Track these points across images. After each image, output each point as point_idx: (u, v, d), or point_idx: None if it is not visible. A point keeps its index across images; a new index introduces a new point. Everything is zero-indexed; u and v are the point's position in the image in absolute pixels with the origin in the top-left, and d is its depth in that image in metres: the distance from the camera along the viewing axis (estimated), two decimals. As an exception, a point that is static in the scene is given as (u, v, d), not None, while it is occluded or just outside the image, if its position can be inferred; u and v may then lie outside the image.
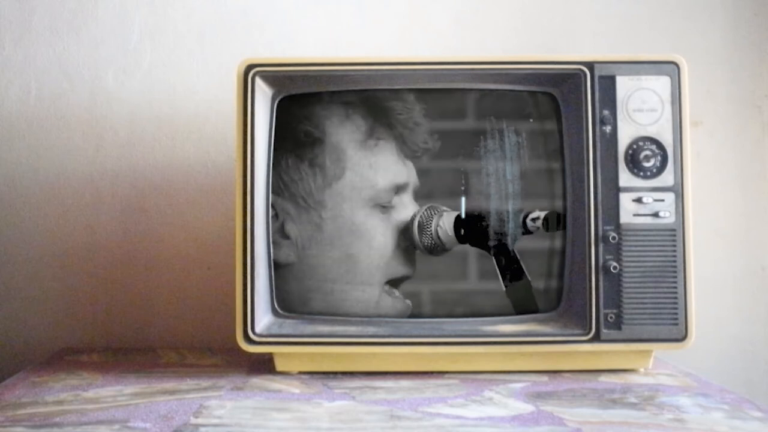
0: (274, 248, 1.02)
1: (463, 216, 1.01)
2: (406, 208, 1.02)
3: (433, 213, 1.01)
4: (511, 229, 1.01)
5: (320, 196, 1.02)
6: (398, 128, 1.02)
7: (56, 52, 1.33)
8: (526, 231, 1.01)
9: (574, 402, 0.89)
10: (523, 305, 1.01)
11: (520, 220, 1.01)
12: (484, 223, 1.01)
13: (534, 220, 1.00)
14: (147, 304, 1.32)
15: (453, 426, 0.80)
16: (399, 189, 1.02)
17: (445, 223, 1.00)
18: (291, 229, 1.02)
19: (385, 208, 1.02)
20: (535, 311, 1.01)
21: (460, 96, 1.03)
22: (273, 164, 1.02)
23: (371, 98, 1.02)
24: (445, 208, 1.02)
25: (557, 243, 1.02)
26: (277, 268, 1.02)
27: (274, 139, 1.02)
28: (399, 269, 1.03)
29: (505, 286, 1.01)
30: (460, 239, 1.01)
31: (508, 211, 1.01)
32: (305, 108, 1.03)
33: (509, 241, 1.01)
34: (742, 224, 1.34)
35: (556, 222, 1.01)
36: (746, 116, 1.35)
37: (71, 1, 1.33)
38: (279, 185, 1.02)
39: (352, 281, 1.02)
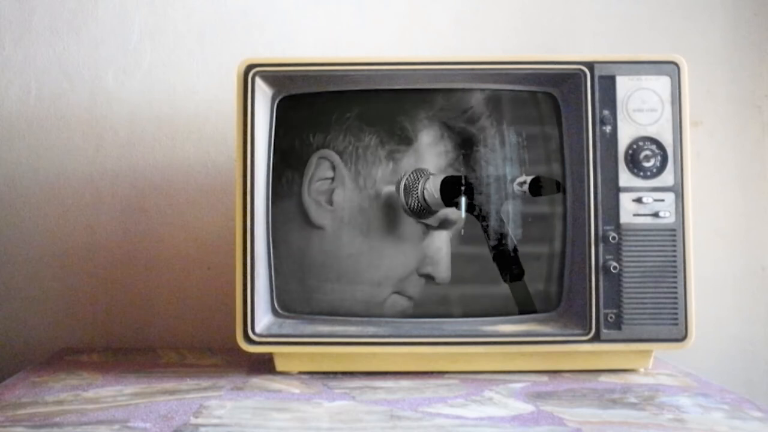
0: (314, 206, 1.02)
1: (450, 178, 1.01)
2: (437, 241, 1.02)
3: (419, 176, 1.01)
4: (498, 192, 1.01)
5: (380, 187, 1.02)
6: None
7: (56, 52, 1.33)
8: (513, 195, 1.01)
9: (574, 402, 0.89)
10: (514, 286, 1.01)
11: (507, 184, 1.01)
12: (469, 186, 1.01)
13: (521, 184, 1.00)
14: (147, 304, 1.32)
15: (453, 426, 0.80)
16: (444, 223, 1.02)
17: (431, 186, 1.00)
18: (338, 197, 1.02)
19: (426, 228, 1.02)
20: (526, 289, 1.01)
21: (461, 96, 1.03)
22: (351, 131, 1.02)
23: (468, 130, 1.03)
24: (431, 172, 1.02)
25: (557, 243, 1.02)
26: (312, 227, 1.02)
27: (358, 110, 1.02)
28: (409, 287, 1.03)
29: (493, 256, 1.01)
30: (447, 202, 1.01)
31: (495, 176, 1.01)
32: (411, 103, 1.03)
33: (496, 205, 1.01)
34: (742, 224, 1.34)
35: (542, 187, 1.01)
36: (746, 116, 1.35)
37: (71, 1, 1.33)
38: (352, 154, 1.02)
39: (353, 281, 1.02)
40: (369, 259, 1.02)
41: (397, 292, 1.03)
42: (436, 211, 1.01)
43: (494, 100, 1.03)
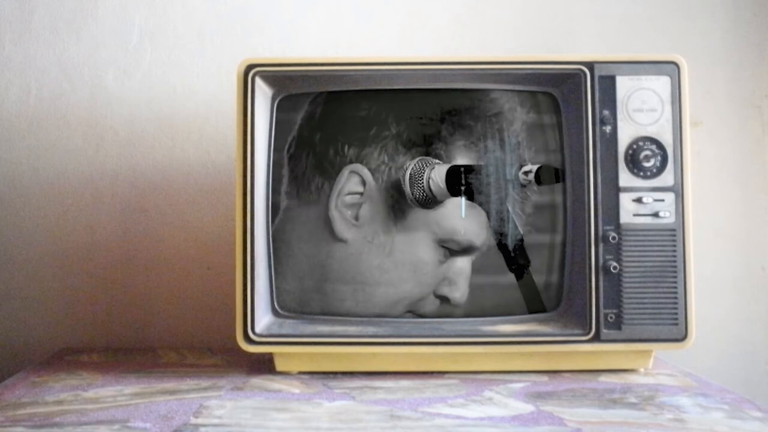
0: (340, 219, 1.01)
1: (455, 168, 1.00)
2: (459, 264, 1.02)
3: (425, 165, 1.01)
4: (505, 182, 1.00)
5: (407, 205, 1.01)
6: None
7: (56, 52, 1.33)
8: (520, 185, 1.00)
9: (574, 402, 0.89)
10: (521, 277, 1.01)
11: (514, 173, 1.01)
12: (476, 176, 1.00)
13: (526, 173, 1.00)
14: (147, 304, 1.32)
15: (453, 426, 0.80)
16: (469, 249, 1.02)
17: (436, 176, 0.99)
18: (365, 214, 1.01)
19: (449, 252, 1.02)
20: (532, 282, 1.01)
21: (460, 96, 1.03)
22: (387, 151, 1.01)
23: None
24: (437, 161, 1.01)
25: (557, 243, 1.02)
26: (333, 238, 1.02)
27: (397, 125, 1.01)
28: (423, 307, 1.03)
29: (499, 247, 1.00)
30: (452, 192, 1.01)
31: (501, 166, 1.01)
32: (451, 129, 1.02)
33: (502, 195, 1.00)
34: (742, 224, 1.34)
35: (548, 176, 1.00)
36: (746, 116, 1.35)
37: (71, 1, 1.33)
38: (384, 173, 1.01)
39: (367, 299, 1.02)
40: (388, 280, 1.02)
41: (411, 312, 1.03)
42: (441, 201, 1.01)
43: (490, 99, 1.03)
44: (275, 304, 1.02)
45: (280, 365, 1.04)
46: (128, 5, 1.34)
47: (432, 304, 1.03)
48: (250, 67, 1.01)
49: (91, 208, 1.33)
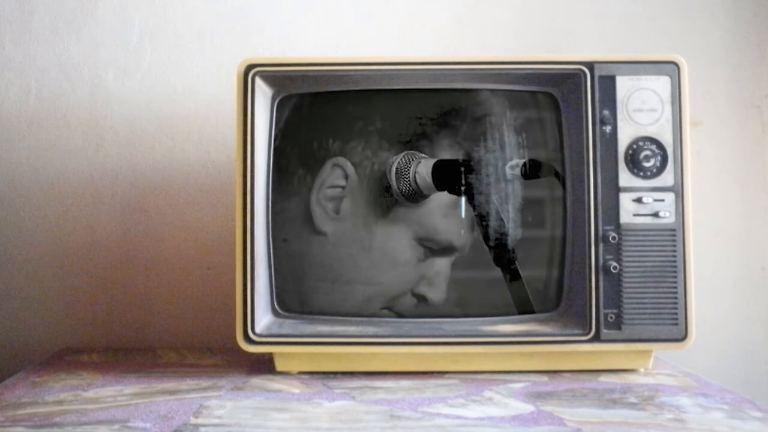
0: (320, 212, 1.01)
1: (442, 161, 1.00)
2: (437, 264, 1.02)
3: (411, 159, 1.00)
4: (492, 176, 1.00)
5: (389, 201, 1.01)
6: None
7: (56, 52, 1.33)
8: (506, 179, 1.00)
9: (574, 402, 0.89)
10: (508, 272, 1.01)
11: (500, 167, 1.00)
12: (462, 170, 1.00)
13: (513, 167, 1.00)
14: (147, 304, 1.32)
15: (453, 426, 0.80)
16: (449, 250, 1.02)
17: (423, 170, 0.99)
18: (346, 207, 1.01)
19: (429, 251, 1.02)
20: (518, 278, 1.01)
21: (460, 96, 1.03)
22: (371, 146, 1.01)
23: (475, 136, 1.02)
24: (423, 155, 1.01)
25: (557, 243, 1.02)
26: (314, 231, 1.01)
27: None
28: (400, 305, 1.03)
29: (489, 248, 1.00)
30: (438, 186, 1.00)
31: (490, 161, 1.01)
32: (437, 128, 1.02)
33: (489, 189, 1.00)
34: (742, 224, 1.34)
35: (535, 170, 1.00)
36: (746, 116, 1.35)
37: (71, 1, 1.33)
38: (367, 168, 1.01)
39: (345, 292, 1.02)
40: (365, 275, 1.02)
41: (387, 308, 1.03)
42: (427, 195, 1.00)
43: (490, 99, 1.02)
44: (275, 304, 1.02)
45: (280, 365, 1.04)
46: (128, 5, 1.34)
47: (409, 303, 1.03)
48: (250, 67, 1.01)
49: (91, 208, 1.33)
